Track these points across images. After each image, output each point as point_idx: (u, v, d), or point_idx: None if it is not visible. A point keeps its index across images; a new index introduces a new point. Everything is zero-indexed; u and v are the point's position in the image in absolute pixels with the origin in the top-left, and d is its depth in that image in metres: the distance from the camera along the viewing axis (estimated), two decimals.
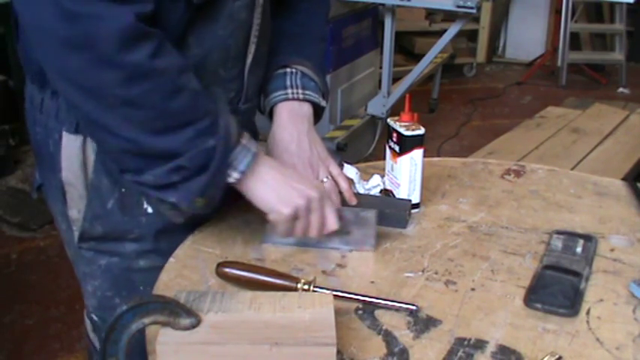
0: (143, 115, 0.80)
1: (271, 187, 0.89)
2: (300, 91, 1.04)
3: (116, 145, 0.82)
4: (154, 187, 0.85)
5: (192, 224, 0.99)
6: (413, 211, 1.06)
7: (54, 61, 0.78)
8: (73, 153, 0.93)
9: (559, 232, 0.99)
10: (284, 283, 0.84)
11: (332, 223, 0.93)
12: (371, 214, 0.96)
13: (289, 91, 1.04)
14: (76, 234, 0.99)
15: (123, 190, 0.95)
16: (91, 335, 1.10)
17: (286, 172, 0.92)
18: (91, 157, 0.93)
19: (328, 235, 0.94)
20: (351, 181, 1.07)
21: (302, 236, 0.93)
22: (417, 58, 3.97)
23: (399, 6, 3.15)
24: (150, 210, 0.96)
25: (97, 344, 1.10)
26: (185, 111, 0.82)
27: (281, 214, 0.89)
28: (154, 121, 0.80)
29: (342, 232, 0.95)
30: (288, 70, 1.05)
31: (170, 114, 0.81)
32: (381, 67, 3.44)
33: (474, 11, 2.91)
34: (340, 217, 0.94)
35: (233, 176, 0.87)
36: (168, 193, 0.85)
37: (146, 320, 0.66)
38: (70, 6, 0.73)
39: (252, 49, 0.97)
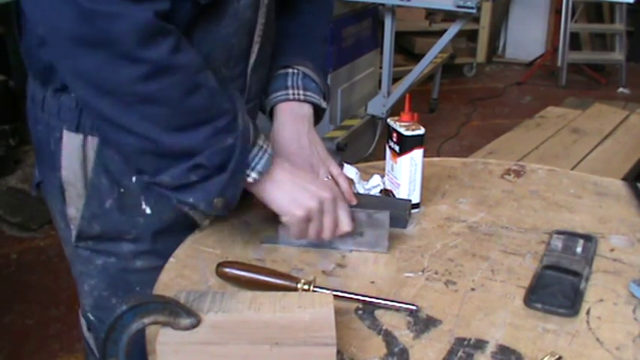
0: (161, 112, 0.79)
1: (284, 190, 0.89)
2: (301, 91, 1.04)
3: (133, 145, 0.82)
4: (171, 188, 0.84)
5: (190, 225, 0.99)
6: (413, 211, 1.06)
7: (69, 60, 0.78)
8: (74, 151, 0.93)
9: (559, 232, 0.99)
10: (284, 283, 0.84)
11: (345, 225, 0.92)
12: (384, 216, 0.95)
13: (290, 91, 1.04)
14: (74, 233, 0.99)
15: (121, 190, 0.95)
16: (87, 334, 1.10)
17: (299, 174, 0.92)
18: (91, 156, 0.93)
19: (341, 237, 0.94)
20: (351, 181, 1.07)
21: (315, 238, 0.92)
22: (417, 58, 3.97)
23: (399, 6, 3.16)
24: (148, 211, 0.96)
25: (93, 343, 1.09)
26: (204, 108, 0.81)
27: (294, 216, 0.89)
28: (173, 119, 0.80)
29: (354, 233, 0.94)
30: (290, 70, 1.06)
31: (189, 111, 0.80)
32: (381, 67, 3.44)
33: (474, 11, 2.91)
34: (353, 219, 0.93)
35: (252, 176, 0.86)
36: (187, 194, 0.84)
37: (146, 320, 0.66)
38: (88, 5, 0.73)
39: (255, 48, 0.97)
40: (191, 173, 0.82)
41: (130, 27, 0.74)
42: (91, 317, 1.05)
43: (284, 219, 0.90)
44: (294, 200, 0.89)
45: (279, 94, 1.05)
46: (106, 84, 0.77)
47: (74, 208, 0.97)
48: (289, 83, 1.05)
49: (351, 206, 0.96)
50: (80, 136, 0.93)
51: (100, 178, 0.94)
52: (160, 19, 0.77)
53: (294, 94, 1.04)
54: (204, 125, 0.81)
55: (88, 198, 0.95)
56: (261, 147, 0.87)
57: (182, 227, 0.98)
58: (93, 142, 0.93)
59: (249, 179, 0.86)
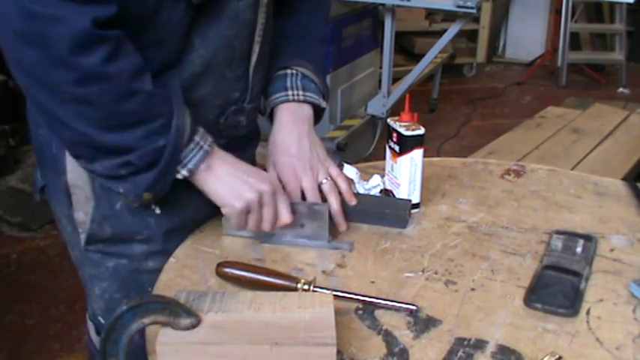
0: (94, 113, 0.81)
1: (224, 181, 0.90)
2: (300, 92, 1.04)
3: (69, 136, 0.84)
4: (102, 176, 0.87)
5: (201, 224, 1.00)
6: (413, 211, 1.06)
7: (10, 51, 0.79)
8: None
9: (559, 232, 0.99)
10: (284, 283, 0.84)
11: (285, 217, 0.94)
12: (323, 207, 0.97)
13: (290, 92, 1.04)
14: (83, 236, 0.98)
15: None
16: (95, 338, 1.10)
17: (239, 167, 0.93)
18: None
19: (282, 229, 0.95)
20: (351, 181, 1.07)
21: (255, 229, 0.94)
22: (417, 58, 3.97)
23: (399, 6, 3.15)
24: (158, 211, 0.96)
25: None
26: (137, 113, 0.83)
27: (233, 207, 0.90)
28: (105, 120, 0.81)
29: (295, 225, 0.96)
30: (289, 71, 1.06)
31: (121, 114, 0.82)
32: (381, 67, 3.44)
33: (474, 11, 2.91)
34: (293, 211, 0.95)
35: (181, 173, 0.88)
36: (117, 184, 0.87)
37: (146, 320, 0.66)
38: (29, 4, 0.74)
39: (256, 48, 0.97)
40: (121, 168, 0.84)
41: (67, 33, 0.75)
42: (102, 321, 1.05)
43: (224, 210, 0.92)
44: (234, 192, 0.90)
45: (278, 95, 1.04)
46: (43, 80, 0.79)
47: (82, 212, 0.97)
48: (288, 84, 1.05)
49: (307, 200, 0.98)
50: None
51: None
52: (103, 25, 0.77)
53: (293, 95, 1.04)
54: (136, 127, 0.82)
55: (97, 201, 0.95)
56: (197, 143, 0.88)
57: (193, 226, 0.99)
58: None
59: (179, 176, 0.88)
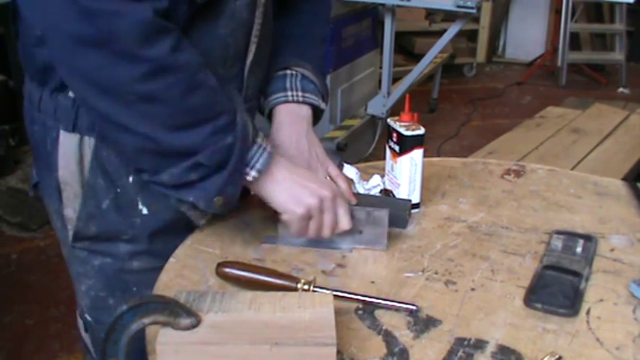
0: (162, 111, 0.79)
1: (284, 187, 0.89)
2: (299, 93, 1.04)
3: (133, 144, 0.82)
4: (171, 186, 0.84)
5: (187, 226, 0.99)
6: (413, 211, 1.06)
7: (69, 60, 0.78)
8: (70, 151, 0.93)
9: (559, 232, 0.99)
10: (284, 283, 0.84)
11: (345, 223, 0.92)
12: (383, 213, 0.95)
13: (289, 93, 1.04)
14: (70, 233, 0.98)
15: (118, 190, 0.95)
16: (84, 335, 1.10)
17: (299, 172, 0.92)
18: (88, 156, 0.93)
19: (340, 235, 0.94)
20: (351, 181, 1.07)
21: (315, 236, 0.92)
22: (417, 58, 3.97)
23: (399, 6, 3.16)
24: (145, 211, 0.96)
25: (90, 344, 1.09)
26: (203, 107, 0.81)
27: (294, 214, 0.89)
28: (173, 118, 0.80)
29: (354, 231, 0.95)
30: (288, 72, 1.06)
31: (189, 110, 0.80)
32: (381, 67, 3.44)
33: (474, 11, 2.91)
34: (352, 217, 0.94)
35: (251, 175, 0.86)
36: (186, 193, 0.85)
37: (146, 320, 0.66)
38: (89, 4, 0.73)
39: (252, 48, 0.97)
40: (191, 172, 0.82)
41: (131, 25, 0.74)
42: (88, 318, 1.05)
43: (284, 217, 0.90)
44: (294, 198, 0.89)
45: (277, 95, 1.04)
46: (106, 83, 0.77)
47: (71, 209, 0.97)
48: (288, 85, 1.05)
49: (350, 205, 0.96)
50: (77, 137, 0.92)
51: (96, 178, 0.94)
52: (160, 18, 0.77)
53: (292, 96, 1.04)
54: (204, 124, 0.81)
55: (84, 198, 0.95)
56: (260, 145, 0.87)
57: (179, 228, 0.98)
58: (90, 142, 0.92)
59: (249, 178, 0.87)
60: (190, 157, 0.81)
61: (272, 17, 1.02)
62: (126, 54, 0.75)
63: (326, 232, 0.92)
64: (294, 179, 0.90)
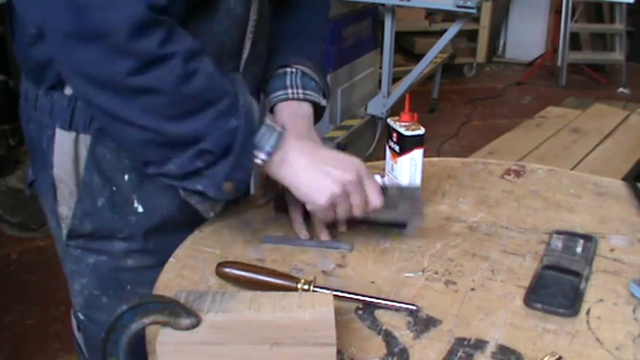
0: (159, 101, 0.79)
1: (304, 176, 0.87)
2: (300, 90, 1.04)
3: (137, 137, 0.81)
4: (178, 177, 0.84)
5: (183, 224, 0.98)
6: (402, 230, 1.05)
7: (65, 55, 0.78)
8: (66, 149, 0.93)
9: (559, 232, 0.99)
10: (284, 283, 0.84)
11: (375, 201, 0.90)
12: (415, 187, 0.96)
13: (289, 91, 1.04)
14: (65, 231, 0.98)
15: (114, 188, 0.95)
16: (77, 334, 1.10)
17: (318, 155, 0.89)
18: (84, 154, 0.93)
19: (375, 212, 0.92)
20: None
21: (344, 217, 0.90)
22: (417, 58, 3.97)
23: (399, 6, 3.16)
24: (140, 209, 0.96)
25: (82, 343, 1.09)
26: (202, 93, 0.81)
27: (317, 204, 0.88)
28: (171, 107, 0.79)
29: (389, 206, 0.93)
30: (289, 69, 1.05)
31: (187, 98, 0.80)
32: (381, 67, 3.45)
33: (474, 11, 2.91)
34: (384, 194, 0.92)
35: (260, 157, 0.85)
36: (195, 182, 0.84)
37: (146, 320, 0.66)
38: None
39: (247, 45, 0.97)
40: (197, 160, 0.82)
41: (124, 18, 0.74)
42: (81, 316, 1.05)
43: (308, 207, 0.89)
44: (315, 187, 0.87)
45: (278, 93, 1.04)
46: (103, 77, 0.77)
47: (66, 207, 0.97)
48: (288, 82, 1.04)
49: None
50: (72, 134, 0.92)
51: (92, 176, 0.94)
52: (154, 12, 0.77)
53: (293, 94, 1.04)
54: (204, 110, 0.80)
55: (80, 196, 0.95)
56: (269, 126, 0.86)
57: (174, 226, 0.98)
58: (85, 140, 0.92)
59: (258, 160, 0.85)
60: (195, 145, 0.81)
61: (268, 14, 1.02)
62: (118, 48, 0.75)
63: (357, 212, 0.90)
64: (313, 167, 0.87)
